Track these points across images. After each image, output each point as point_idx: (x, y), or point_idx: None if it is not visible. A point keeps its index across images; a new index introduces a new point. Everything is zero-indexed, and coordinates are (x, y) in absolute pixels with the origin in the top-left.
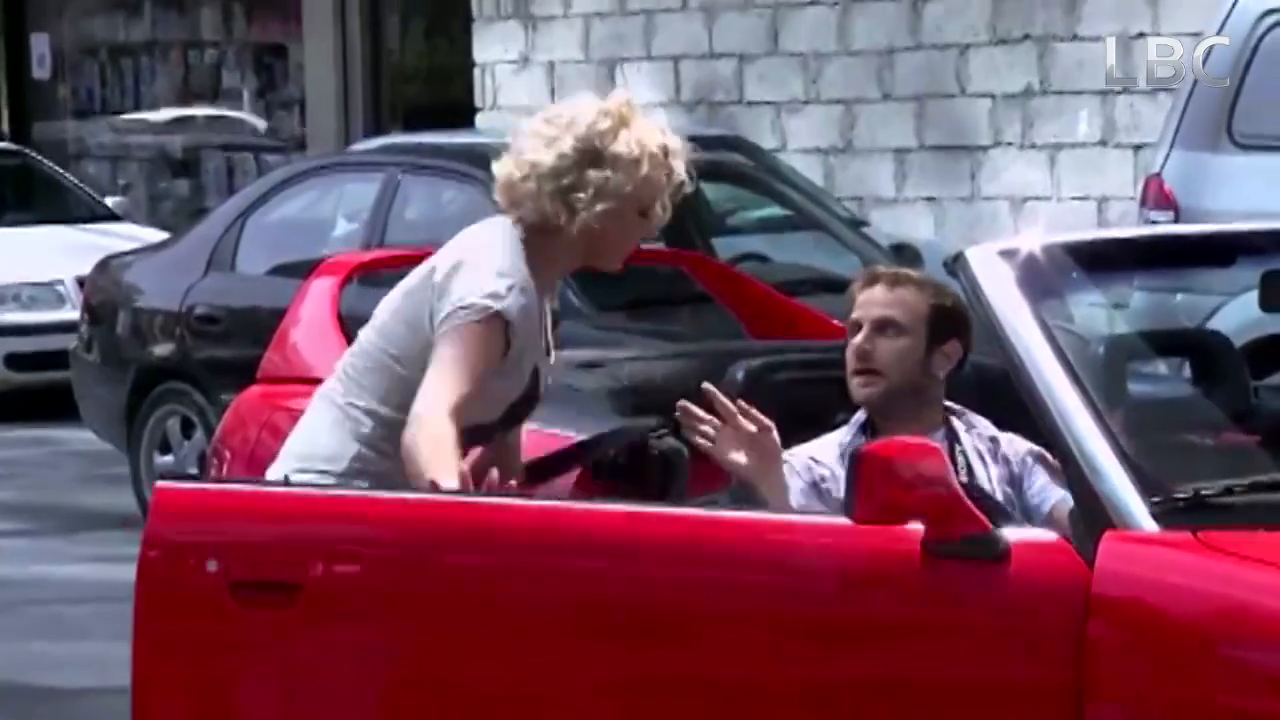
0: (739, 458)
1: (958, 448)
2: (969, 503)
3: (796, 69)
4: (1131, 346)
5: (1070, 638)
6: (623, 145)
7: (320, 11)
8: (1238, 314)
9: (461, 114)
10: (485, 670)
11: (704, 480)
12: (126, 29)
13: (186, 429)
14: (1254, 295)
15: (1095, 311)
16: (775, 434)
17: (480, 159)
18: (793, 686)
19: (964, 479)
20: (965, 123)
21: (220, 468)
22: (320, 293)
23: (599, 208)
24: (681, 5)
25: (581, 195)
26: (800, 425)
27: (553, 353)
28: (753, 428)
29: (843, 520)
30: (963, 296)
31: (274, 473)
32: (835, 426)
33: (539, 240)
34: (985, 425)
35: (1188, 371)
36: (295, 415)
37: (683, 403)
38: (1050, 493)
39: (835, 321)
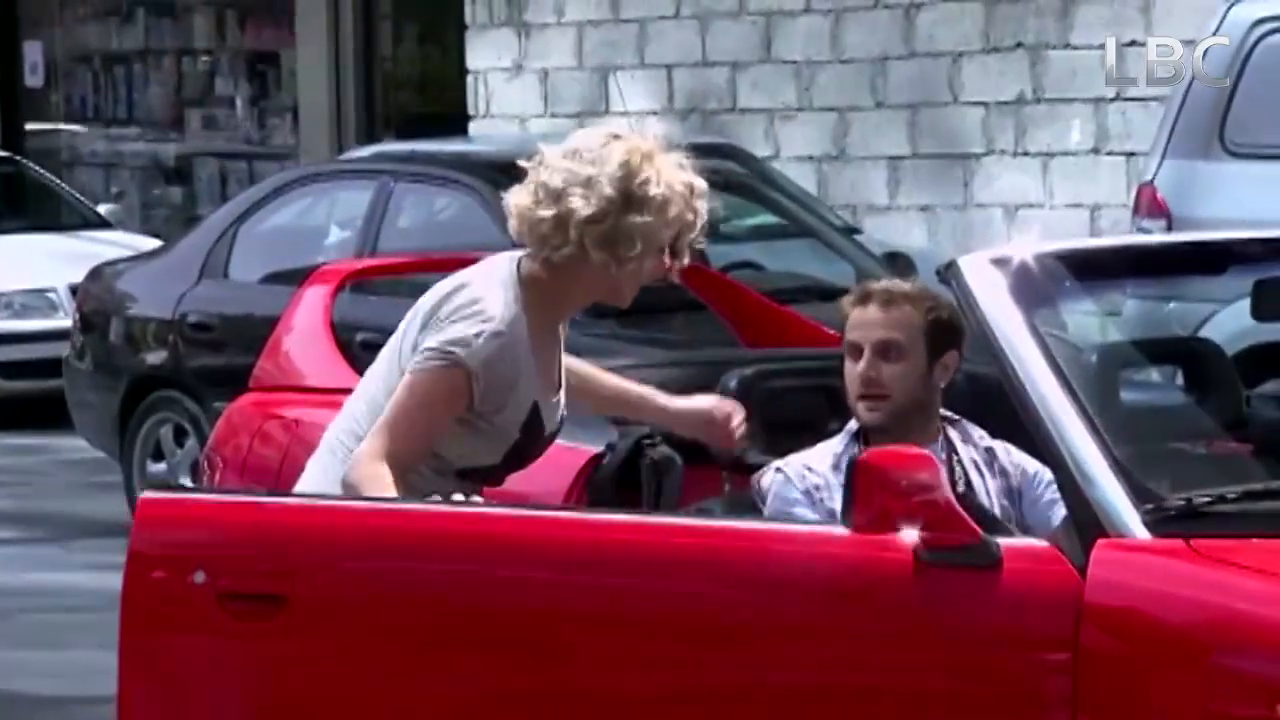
0: None
1: (955, 458)
2: (962, 512)
3: (789, 77)
4: (1124, 354)
5: (1063, 646)
6: (655, 187)
7: (313, 19)
8: (1230, 322)
9: (455, 122)
10: (476, 681)
11: (697, 488)
12: (119, 36)
13: (179, 437)
14: (1246, 303)
15: (1088, 319)
16: None
17: (473, 167)
18: (783, 693)
19: (961, 489)
20: (958, 131)
21: (213, 476)
22: (313, 301)
23: (641, 251)
24: (675, 13)
25: (631, 248)
26: (794, 433)
27: (561, 390)
28: None
29: (836, 530)
30: (955, 304)
31: None
32: (829, 434)
33: (554, 278)
34: (981, 435)
35: (1180, 380)
36: (288, 423)
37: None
38: (1055, 511)
39: (828, 330)
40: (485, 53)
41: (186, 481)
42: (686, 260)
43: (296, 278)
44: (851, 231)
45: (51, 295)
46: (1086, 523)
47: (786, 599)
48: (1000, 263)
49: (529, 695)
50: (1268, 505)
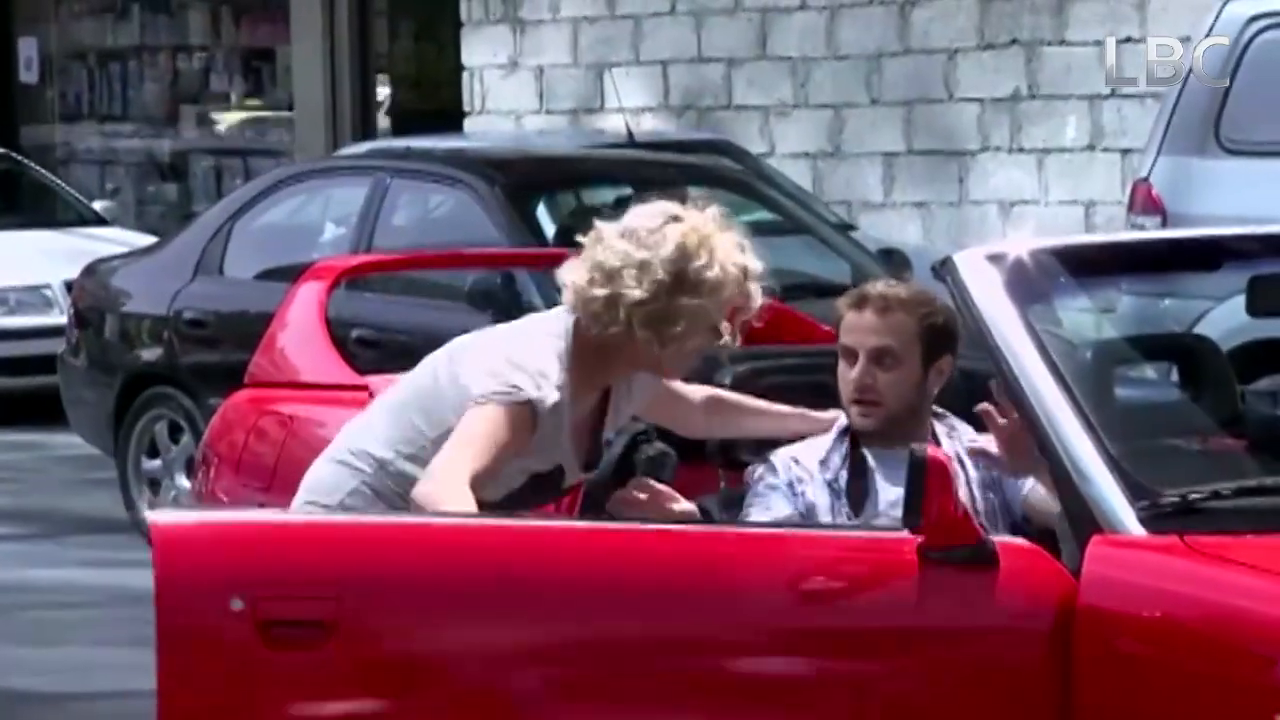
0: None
1: None
2: (966, 510)
3: (785, 74)
4: (1119, 351)
5: (1057, 642)
6: (709, 271)
7: (308, 15)
8: (1225, 318)
9: (450, 118)
10: (538, 708)
11: (692, 485)
12: (114, 33)
13: (174, 433)
14: (1241, 300)
15: (1083, 316)
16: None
17: (469, 163)
18: (784, 689)
19: None
20: (953, 127)
21: (208, 472)
22: (308, 297)
23: (684, 330)
24: (670, 10)
25: (675, 327)
26: None
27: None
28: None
29: (835, 529)
30: (950, 303)
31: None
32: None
33: (600, 348)
34: (966, 429)
35: (1175, 376)
36: (283, 419)
37: (985, 406)
38: (1026, 481)
39: (823, 326)
40: (480, 49)
41: (181, 478)
42: (738, 340)
43: (291, 274)
44: (847, 228)
45: (46, 291)
46: (1081, 519)
47: (787, 597)
48: (995, 259)
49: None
50: (1263, 501)
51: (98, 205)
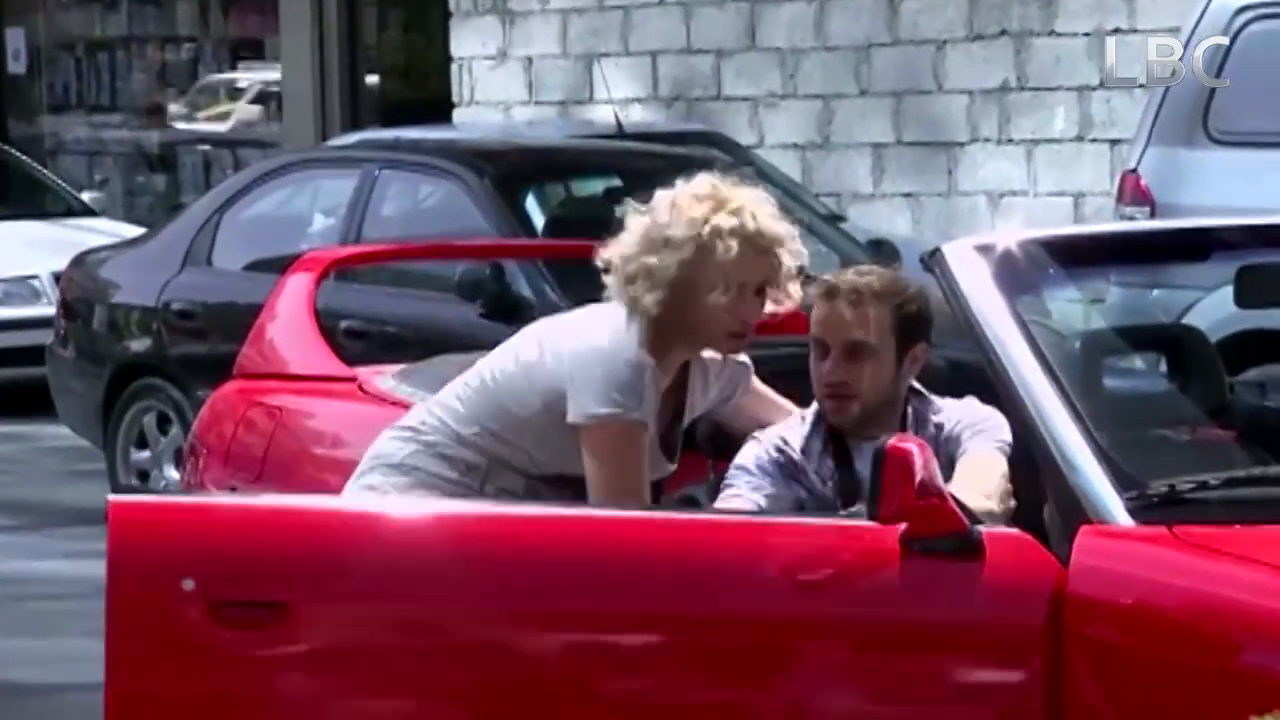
0: None
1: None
2: (952, 500)
3: (774, 64)
4: (1107, 342)
5: (1045, 632)
6: (676, 229)
7: (297, 6)
8: (1213, 309)
9: (439, 109)
10: (490, 686)
11: (681, 473)
12: (103, 23)
13: (163, 425)
14: (1230, 290)
15: (1071, 307)
16: None
17: (458, 154)
18: (769, 677)
19: None
20: (942, 118)
21: (197, 463)
22: (297, 288)
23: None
24: (659, 1)
25: (644, 283)
26: None
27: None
28: None
29: (822, 518)
30: (935, 292)
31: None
32: None
33: (662, 333)
34: (936, 408)
35: (1164, 366)
36: (272, 410)
37: None
38: (972, 443)
39: None
40: (469, 40)
41: (170, 469)
42: (783, 305)
43: (280, 265)
44: (836, 219)
45: (35, 282)
46: (1069, 509)
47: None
48: (984, 250)
49: (545, 700)
50: (1251, 492)
51: (86, 196)
